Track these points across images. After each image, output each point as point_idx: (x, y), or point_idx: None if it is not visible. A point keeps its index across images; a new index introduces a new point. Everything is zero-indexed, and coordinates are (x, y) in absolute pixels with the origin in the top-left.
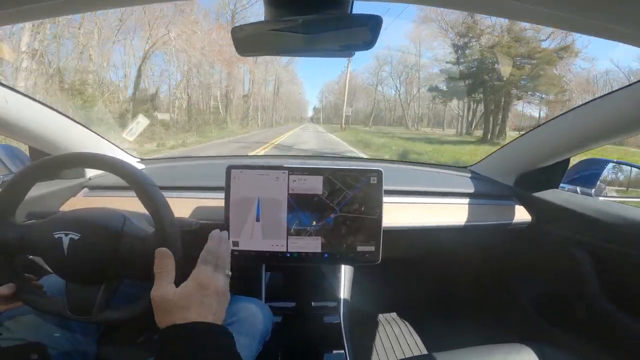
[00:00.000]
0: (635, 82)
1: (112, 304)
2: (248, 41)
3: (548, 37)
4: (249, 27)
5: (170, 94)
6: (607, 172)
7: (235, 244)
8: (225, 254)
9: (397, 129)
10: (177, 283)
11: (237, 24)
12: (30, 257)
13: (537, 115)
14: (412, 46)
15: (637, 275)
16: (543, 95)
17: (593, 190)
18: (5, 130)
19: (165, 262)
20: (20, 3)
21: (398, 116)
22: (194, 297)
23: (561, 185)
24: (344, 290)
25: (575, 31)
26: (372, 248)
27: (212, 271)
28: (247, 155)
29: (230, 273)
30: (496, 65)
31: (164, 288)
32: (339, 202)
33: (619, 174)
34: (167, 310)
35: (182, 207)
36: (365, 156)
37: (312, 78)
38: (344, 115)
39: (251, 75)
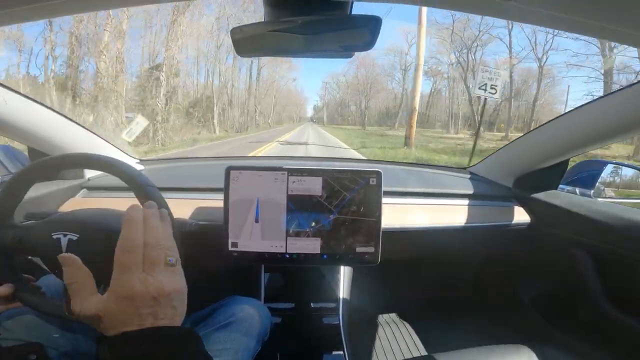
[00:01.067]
0: (635, 83)
1: None
2: (247, 42)
3: None
4: (248, 28)
5: None
6: (606, 174)
7: (235, 244)
8: (154, 238)
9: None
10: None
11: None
12: (29, 257)
13: None
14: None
15: (636, 276)
16: None
17: (592, 191)
18: (4, 130)
19: (72, 273)
20: (21, 3)
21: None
22: (126, 311)
23: (560, 186)
24: (343, 291)
25: (574, 32)
26: (372, 249)
27: (138, 274)
28: (246, 156)
29: (174, 259)
30: None
31: (81, 304)
32: (338, 203)
33: (618, 175)
34: (102, 324)
35: (181, 208)
36: (364, 157)
37: (312, 70)
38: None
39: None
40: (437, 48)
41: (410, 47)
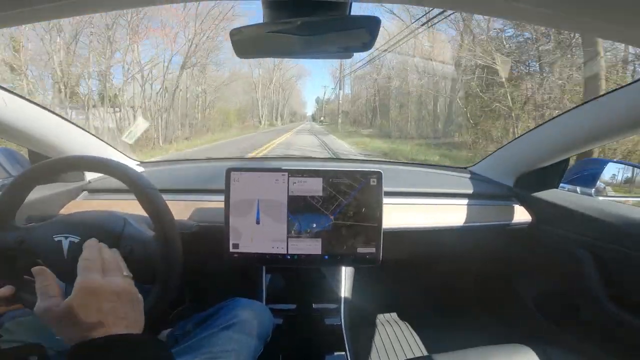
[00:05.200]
0: (635, 82)
1: None
2: (246, 43)
3: None
4: (247, 29)
5: None
6: (607, 172)
7: (236, 246)
8: (111, 258)
9: None
10: (177, 287)
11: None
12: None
13: None
14: None
15: (637, 275)
16: None
17: (593, 190)
18: (4, 133)
19: (42, 280)
20: (22, 5)
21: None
22: (89, 307)
23: (561, 185)
24: (344, 292)
25: (574, 32)
26: (373, 249)
27: (100, 276)
28: (246, 158)
29: (129, 274)
30: None
31: (48, 302)
32: (338, 204)
33: (619, 173)
34: (66, 328)
35: (182, 209)
36: (364, 157)
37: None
38: None
39: None
40: None
41: None
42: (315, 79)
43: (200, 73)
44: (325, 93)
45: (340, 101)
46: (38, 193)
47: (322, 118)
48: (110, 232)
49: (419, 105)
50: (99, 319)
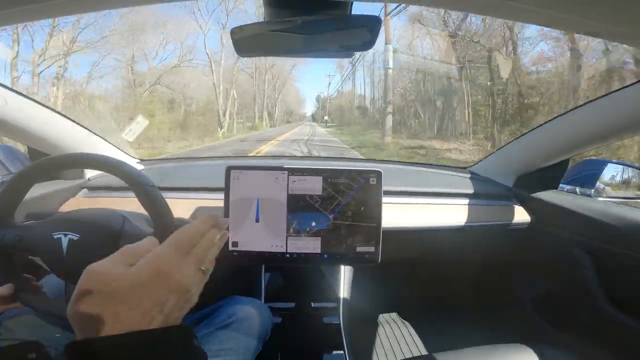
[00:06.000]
0: (635, 83)
1: None
2: (247, 42)
3: None
4: (248, 28)
5: None
6: (606, 173)
7: (235, 244)
8: (209, 245)
9: None
10: None
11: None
12: (30, 257)
13: None
14: None
15: (636, 276)
16: None
17: (592, 190)
18: (4, 130)
19: (143, 245)
20: (20, 3)
21: None
22: (146, 286)
23: (561, 185)
24: (343, 291)
25: (574, 32)
26: (372, 249)
27: (180, 258)
28: (246, 156)
29: (208, 269)
30: None
31: (109, 264)
32: (338, 203)
33: (618, 174)
34: (103, 296)
35: (181, 207)
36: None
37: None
38: None
39: None
40: None
41: None
42: (316, 70)
43: None
44: (330, 84)
45: (362, 91)
46: (37, 190)
47: (325, 117)
48: (109, 229)
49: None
50: (144, 305)
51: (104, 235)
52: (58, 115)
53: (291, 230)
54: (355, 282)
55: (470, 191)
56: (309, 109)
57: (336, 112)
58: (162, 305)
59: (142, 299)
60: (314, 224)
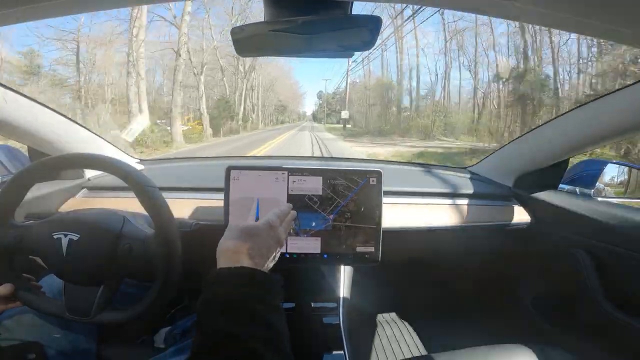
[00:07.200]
0: (635, 83)
1: (113, 304)
2: (247, 42)
3: None
4: (248, 28)
5: None
6: (606, 173)
7: None
8: (290, 218)
9: None
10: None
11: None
12: (30, 257)
13: None
14: None
15: (636, 276)
16: None
17: (592, 191)
18: (4, 130)
19: (282, 211)
20: (20, 3)
21: None
22: (262, 233)
23: (560, 185)
24: (343, 291)
25: (574, 32)
26: (372, 249)
27: (280, 223)
28: (246, 156)
29: (287, 232)
30: None
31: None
32: (338, 203)
33: (618, 174)
34: (244, 234)
35: (181, 208)
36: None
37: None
38: None
39: None
40: None
41: None
42: (315, 68)
43: None
44: (320, 94)
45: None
46: (37, 190)
47: (343, 114)
48: (109, 230)
49: None
50: (259, 248)
51: (104, 236)
52: (58, 115)
53: (291, 230)
54: (355, 282)
55: (470, 191)
56: (309, 106)
57: (356, 103)
58: (268, 248)
59: (262, 240)
60: (314, 224)
